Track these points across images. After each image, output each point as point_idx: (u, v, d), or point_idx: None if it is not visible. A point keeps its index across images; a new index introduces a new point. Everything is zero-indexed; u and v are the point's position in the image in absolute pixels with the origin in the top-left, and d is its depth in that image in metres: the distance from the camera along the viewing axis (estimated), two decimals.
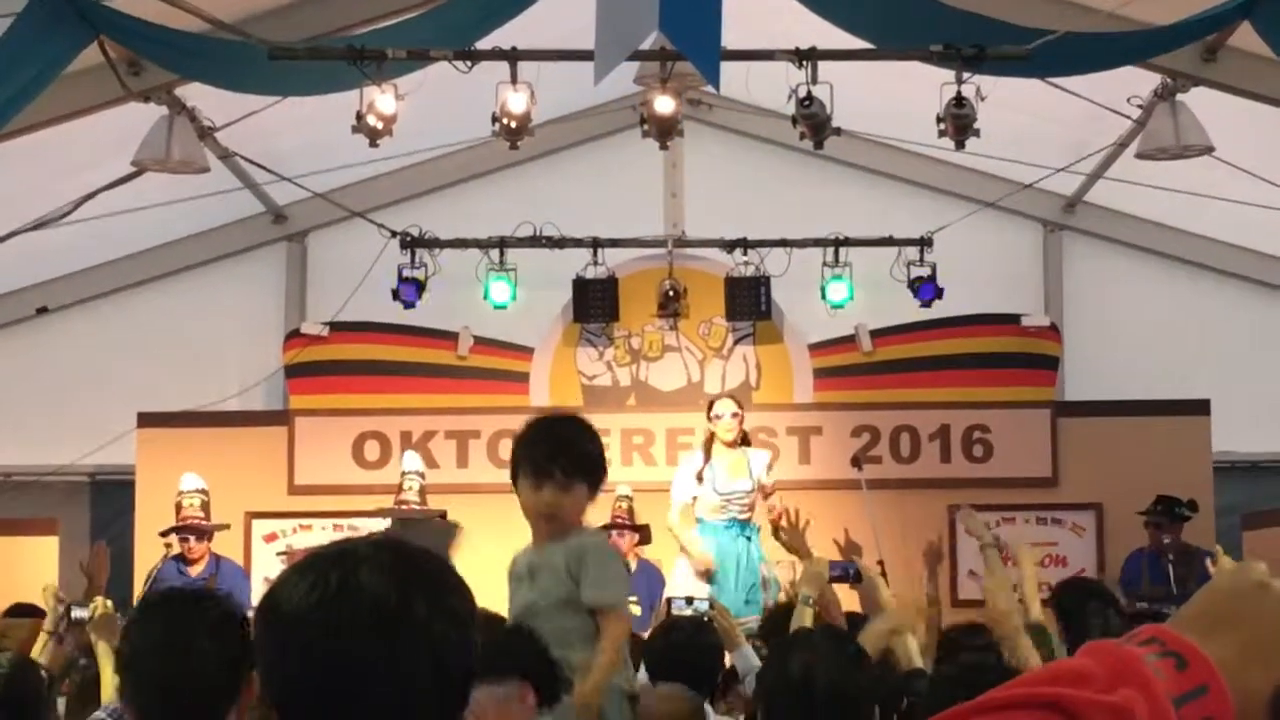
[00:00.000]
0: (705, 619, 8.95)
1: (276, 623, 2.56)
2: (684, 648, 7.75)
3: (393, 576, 2.54)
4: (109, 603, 8.87)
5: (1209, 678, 1.61)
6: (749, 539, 12.86)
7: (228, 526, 13.80)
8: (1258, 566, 1.73)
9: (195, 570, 13.29)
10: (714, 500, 12.96)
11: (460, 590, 2.66)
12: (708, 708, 7.45)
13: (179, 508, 13.47)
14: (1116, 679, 1.57)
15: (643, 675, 7.97)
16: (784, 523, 10.88)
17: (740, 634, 8.87)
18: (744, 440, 13.28)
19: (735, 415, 13.15)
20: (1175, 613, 1.73)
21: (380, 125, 11.48)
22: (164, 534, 13.47)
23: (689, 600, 9.72)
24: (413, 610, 2.52)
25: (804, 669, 5.17)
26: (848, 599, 9.29)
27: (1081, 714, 1.54)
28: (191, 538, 13.34)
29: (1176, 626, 1.67)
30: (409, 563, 2.60)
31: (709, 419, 13.27)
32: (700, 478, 13.04)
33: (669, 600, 10.46)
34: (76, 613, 9.14)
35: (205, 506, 13.51)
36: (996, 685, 1.59)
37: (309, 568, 2.57)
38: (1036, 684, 1.58)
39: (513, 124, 11.68)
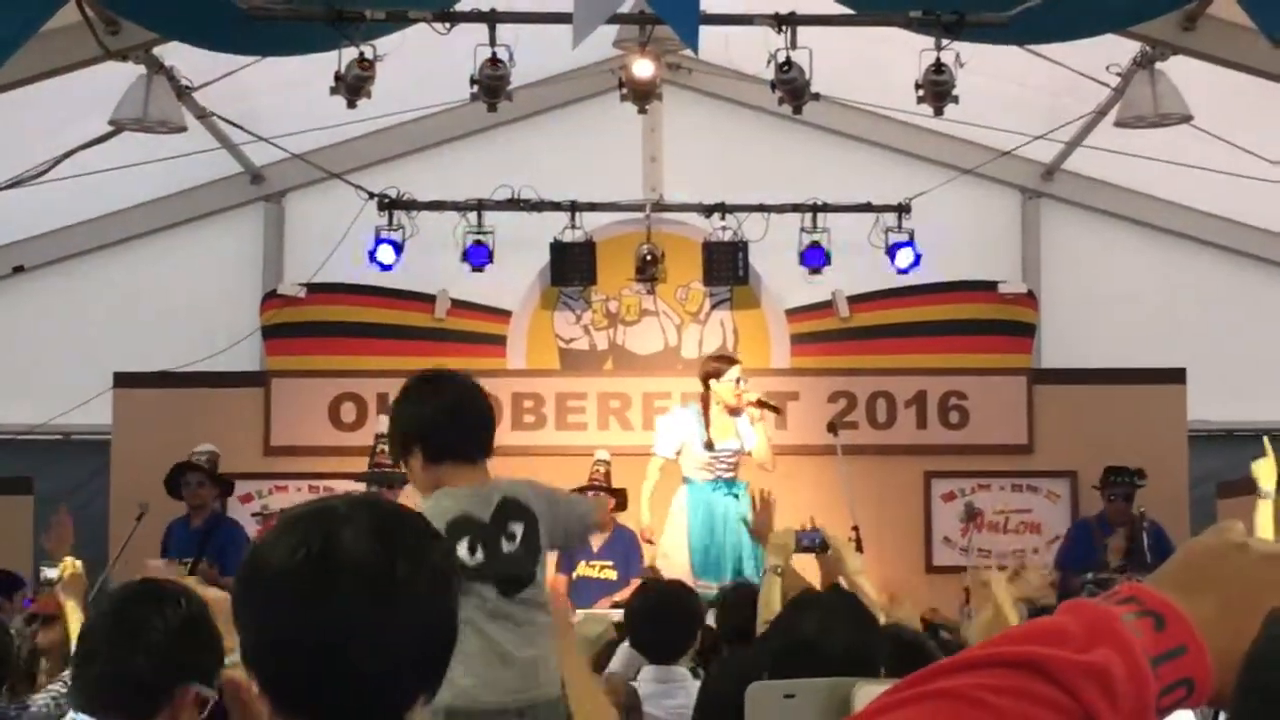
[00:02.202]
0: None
1: (261, 584, 2.55)
2: (662, 609, 7.76)
3: (376, 536, 2.54)
4: (78, 563, 8.85)
5: (1187, 638, 1.61)
6: (736, 497, 12.74)
7: (230, 487, 13.81)
8: (1236, 526, 1.73)
9: (195, 522, 13.35)
10: (702, 458, 12.88)
11: (441, 549, 2.66)
12: (683, 671, 7.47)
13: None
14: (1094, 638, 1.57)
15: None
16: (754, 503, 10.76)
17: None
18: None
19: (746, 381, 12.97)
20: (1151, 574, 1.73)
21: (358, 86, 11.47)
22: (169, 481, 13.46)
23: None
24: (397, 571, 2.52)
25: (819, 630, 5.15)
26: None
27: (1058, 673, 1.54)
28: (193, 480, 13.36)
29: (1155, 586, 1.67)
30: (391, 521, 2.60)
31: (711, 379, 12.97)
32: (710, 444, 12.86)
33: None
34: (45, 573, 9.13)
35: (212, 463, 13.54)
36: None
37: (291, 528, 2.56)
38: (1014, 642, 1.58)
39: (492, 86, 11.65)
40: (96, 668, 4.15)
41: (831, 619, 5.20)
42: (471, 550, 5.66)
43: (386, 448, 13.34)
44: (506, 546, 5.75)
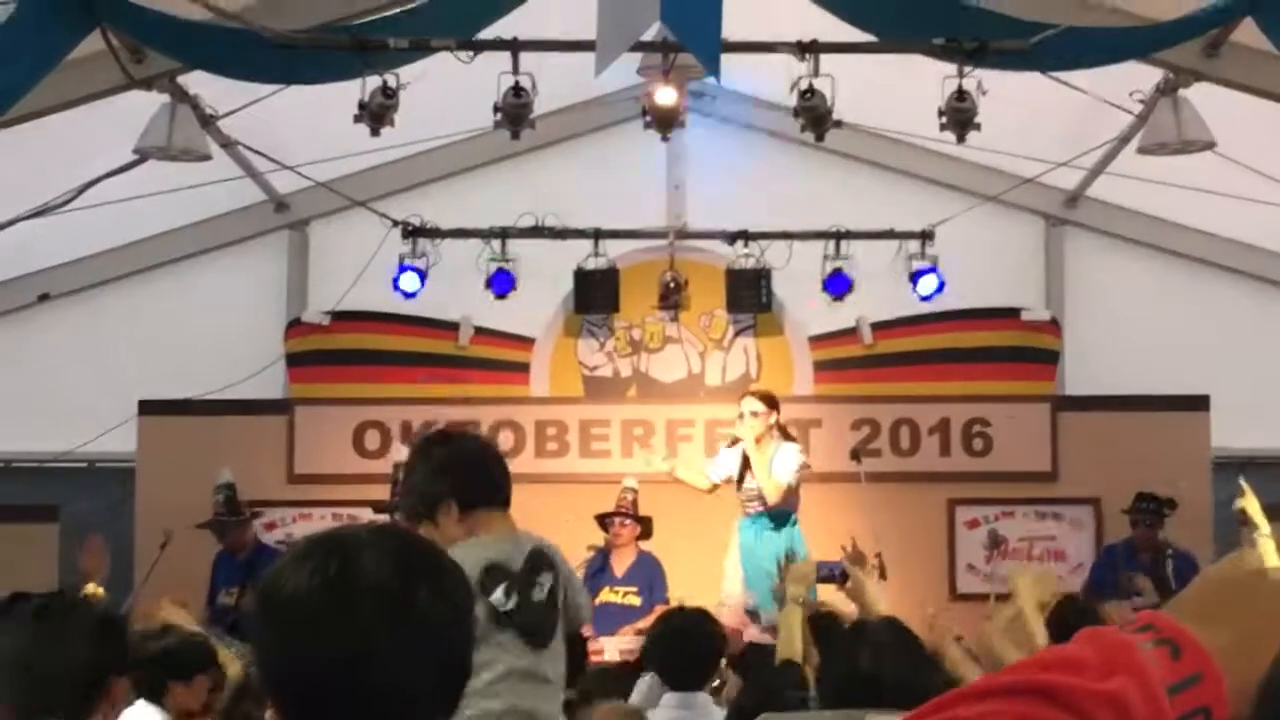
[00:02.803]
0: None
1: (276, 609, 2.56)
2: (684, 636, 7.76)
3: (394, 563, 2.54)
4: (100, 590, 8.88)
5: (1203, 666, 1.61)
6: (775, 531, 12.66)
7: (244, 518, 13.78)
8: (1253, 554, 1.73)
9: (240, 555, 13.57)
10: (740, 495, 12.91)
11: (458, 577, 2.67)
12: (705, 698, 7.47)
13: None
14: (1111, 666, 1.57)
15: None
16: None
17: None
18: (785, 435, 13.01)
19: (755, 414, 12.83)
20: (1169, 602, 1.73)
21: (382, 115, 11.49)
22: (200, 525, 13.60)
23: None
24: (414, 597, 2.52)
25: (872, 663, 5.13)
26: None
27: (1075, 702, 1.55)
28: (221, 531, 13.63)
29: (1172, 614, 1.67)
30: (409, 549, 2.61)
31: None
32: (743, 479, 12.89)
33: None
34: None
35: (229, 501, 13.59)
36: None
37: (308, 554, 2.57)
38: (1031, 670, 1.58)
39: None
40: (28, 679, 4.21)
41: (886, 652, 5.18)
42: (506, 596, 5.63)
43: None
44: (535, 596, 5.73)
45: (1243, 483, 7.73)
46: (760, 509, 12.74)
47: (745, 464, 12.82)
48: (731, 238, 15.25)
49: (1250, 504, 7.74)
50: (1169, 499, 13.87)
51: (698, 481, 13.16)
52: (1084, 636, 1.62)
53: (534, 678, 5.71)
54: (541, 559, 5.81)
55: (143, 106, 12.39)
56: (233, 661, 8.51)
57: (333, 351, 15.76)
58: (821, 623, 9.18)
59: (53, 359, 16.07)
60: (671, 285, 15.15)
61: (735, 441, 12.94)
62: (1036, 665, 1.59)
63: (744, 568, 12.61)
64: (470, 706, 5.33)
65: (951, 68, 11.43)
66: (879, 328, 15.73)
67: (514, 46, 11.43)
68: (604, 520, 13.27)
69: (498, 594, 5.57)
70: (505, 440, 14.65)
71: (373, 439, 15.28)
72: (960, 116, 11.58)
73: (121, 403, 15.11)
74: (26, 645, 4.23)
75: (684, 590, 12.62)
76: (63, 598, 4.61)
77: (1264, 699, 1.57)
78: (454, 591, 2.61)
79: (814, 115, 11.80)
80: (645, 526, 13.55)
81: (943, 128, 11.79)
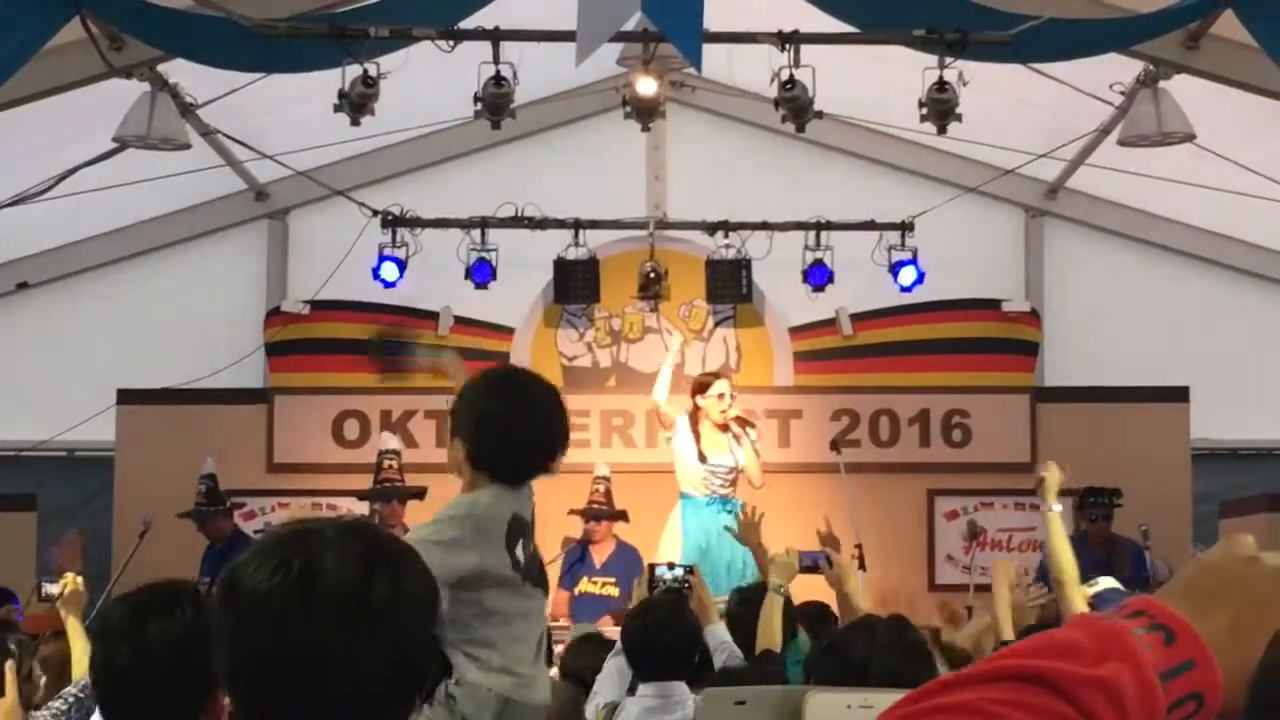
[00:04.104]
0: (684, 587, 8.95)
1: (237, 604, 2.55)
2: (660, 629, 7.72)
3: (357, 562, 2.53)
4: (79, 579, 8.85)
5: (1197, 652, 1.60)
6: (731, 513, 12.74)
7: (224, 508, 13.77)
8: (1246, 540, 1.73)
9: (218, 547, 13.59)
10: (699, 472, 12.89)
11: (423, 574, 2.66)
12: (682, 687, 7.44)
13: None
14: (1105, 652, 1.56)
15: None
16: (740, 517, 10.85)
17: (715, 609, 8.86)
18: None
19: (734, 397, 12.97)
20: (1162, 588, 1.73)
21: (362, 104, 11.48)
22: (181, 515, 13.59)
23: (670, 566, 9.66)
24: (376, 597, 2.52)
25: (864, 656, 5.12)
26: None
27: (1068, 688, 1.54)
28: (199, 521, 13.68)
29: (1165, 599, 1.66)
30: (373, 547, 2.60)
31: (698, 395, 13.08)
32: (703, 457, 12.90)
33: (651, 566, 10.40)
34: (46, 588, 9.13)
35: (210, 491, 13.59)
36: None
37: (272, 549, 2.56)
38: (1025, 656, 1.58)
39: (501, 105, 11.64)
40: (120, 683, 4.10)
41: (879, 646, 5.16)
42: (523, 551, 5.67)
43: (395, 464, 13.39)
44: (531, 550, 5.77)
45: (1053, 464, 8.00)
46: (731, 492, 12.79)
47: (697, 442, 12.85)
48: (712, 228, 15.25)
49: (1051, 476, 8.00)
50: (1115, 489, 13.87)
51: (660, 389, 13.31)
52: (1077, 622, 1.62)
53: (543, 621, 5.85)
54: (534, 517, 5.85)
55: (122, 95, 12.37)
56: None
57: (312, 341, 15.74)
58: (813, 612, 9.24)
59: (31, 348, 16.04)
60: (651, 275, 15.15)
61: (695, 418, 12.97)
62: (1029, 650, 1.59)
63: (687, 552, 12.54)
64: (506, 649, 5.44)
65: (932, 59, 11.45)
66: (859, 319, 15.73)
67: (495, 36, 11.43)
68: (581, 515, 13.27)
69: (518, 548, 5.61)
70: None
71: (352, 428, 15.27)
72: (941, 108, 11.59)
73: (100, 391, 15.08)
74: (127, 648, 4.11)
75: None
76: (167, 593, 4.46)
77: (1257, 686, 1.57)
78: (416, 592, 2.60)
79: (795, 106, 11.81)
80: (621, 518, 13.54)
81: (923, 119, 11.82)
